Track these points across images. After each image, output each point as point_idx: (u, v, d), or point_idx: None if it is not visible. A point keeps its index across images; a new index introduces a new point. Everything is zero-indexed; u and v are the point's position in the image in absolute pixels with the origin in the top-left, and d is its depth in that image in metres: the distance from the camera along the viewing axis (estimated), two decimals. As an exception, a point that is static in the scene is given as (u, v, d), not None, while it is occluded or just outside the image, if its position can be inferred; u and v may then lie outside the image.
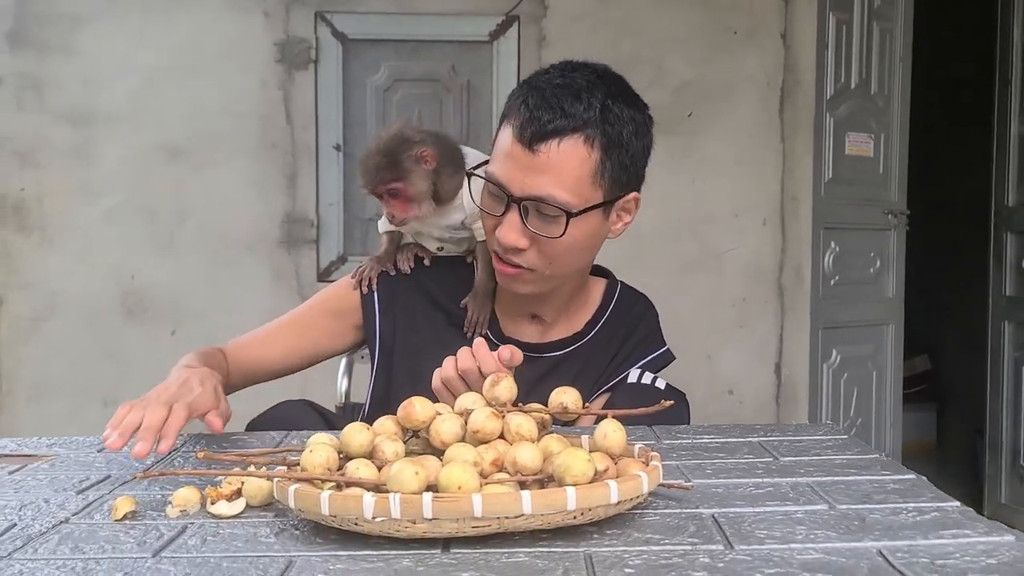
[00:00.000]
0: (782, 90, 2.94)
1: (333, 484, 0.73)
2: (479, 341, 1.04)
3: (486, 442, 0.79)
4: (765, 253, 2.97)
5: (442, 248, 1.33)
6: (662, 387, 1.23)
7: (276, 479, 0.75)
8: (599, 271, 1.35)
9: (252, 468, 0.80)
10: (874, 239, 3.15)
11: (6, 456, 0.98)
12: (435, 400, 0.85)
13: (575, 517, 0.70)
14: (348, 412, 1.42)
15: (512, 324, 1.27)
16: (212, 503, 0.78)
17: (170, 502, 0.79)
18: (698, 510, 0.77)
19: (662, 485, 0.79)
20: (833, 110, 2.99)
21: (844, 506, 0.78)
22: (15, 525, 0.75)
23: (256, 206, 2.89)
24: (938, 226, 3.84)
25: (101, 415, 2.94)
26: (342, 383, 1.55)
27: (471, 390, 0.95)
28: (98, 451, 1.02)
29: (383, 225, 1.33)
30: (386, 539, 0.69)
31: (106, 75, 2.84)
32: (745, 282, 2.97)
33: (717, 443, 1.02)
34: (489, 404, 0.84)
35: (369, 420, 0.85)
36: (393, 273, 1.31)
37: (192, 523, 0.75)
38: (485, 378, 0.95)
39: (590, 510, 0.70)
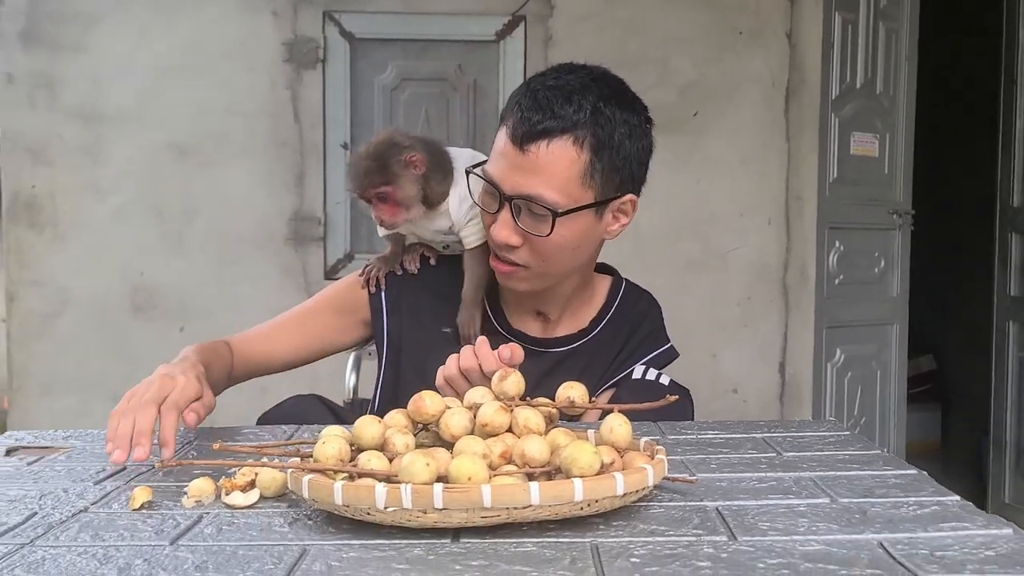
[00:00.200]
0: (787, 90, 2.95)
1: (346, 475, 0.75)
2: (481, 339, 1.06)
3: (495, 435, 0.81)
4: (770, 252, 2.98)
5: (447, 247, 1.34)
6: (666, 383, 1.25)
7: (290, 470, 0.76)
8: (605, 269, 1.36)
9: (265, 460, 0.82)
10: (879, 239, 3.16)
11: (24, 448, 1.00)
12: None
13: (582, 508, 0.71)
14: (356, 407, 1.44)
15: (518, 318, 1.29)
16: (227, 494, 0.80)
17: (185, 492, 0.81)
18: (702, 503, 0.79)
19: (667, 478, 0.80)
20: (838, 110, 3.00)
21: (846, 500, 0.79)
22: (36, 513, 0.77)
23: (264, 204, 2.91)
24: (943, 226, 3.85)
25: (110, 410, 2.97)
26: (350, 379, 1.57)
27: (473, 387, 0.97)
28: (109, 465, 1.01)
29: (382, 230, 1.33)
30: (397, 529, 0.70)
31: (116, 74, 2.87)
32: (749, 281, 2.98)
33: (721, 439, 1.03)
34: (497, 398, 0.85)
35: (378, 415, 0.86)
36: (400, 273, 1.32)
37: (207, 513, 0.77)
38: (487, 376, 0.98)
39: (596, 501, 0.72)
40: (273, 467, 0.79)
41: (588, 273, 1.30)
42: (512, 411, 0.83)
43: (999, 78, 3.17)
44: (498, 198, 1.14)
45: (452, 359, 1.07)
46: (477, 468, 0.71)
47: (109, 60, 2.86)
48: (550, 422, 0.86)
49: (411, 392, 0.86)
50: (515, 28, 2.90)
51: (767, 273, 2.98)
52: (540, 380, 1.10)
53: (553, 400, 0.88)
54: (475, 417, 0.82)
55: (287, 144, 2.90)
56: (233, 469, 0.84)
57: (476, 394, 0.86)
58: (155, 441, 0.93)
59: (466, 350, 1.06)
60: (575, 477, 0.72)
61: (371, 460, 0.76)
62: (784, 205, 2.97)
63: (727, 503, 0.78)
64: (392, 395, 1.28)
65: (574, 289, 1.28)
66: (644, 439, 0.86)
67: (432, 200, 1.24)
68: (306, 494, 0.73)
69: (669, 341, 1.33)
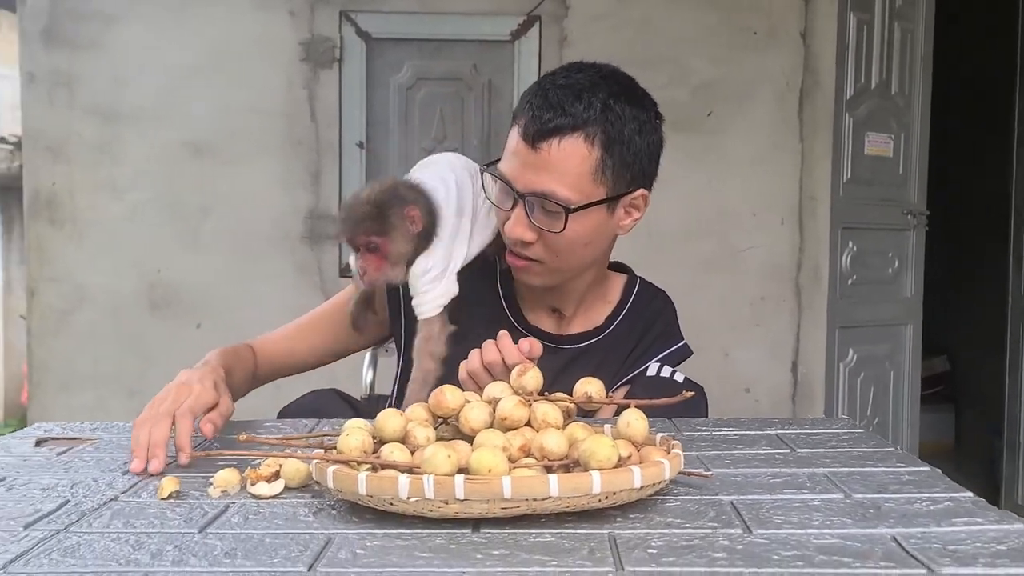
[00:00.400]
0: (801, 90, 2.95)
1: (369, 466, 0.77)
2: (503, 334, 1.08)
3: (514, 429, 0.82)
4: (783, 252, 2.98)
5: None
6: (681, 381, 1.26)
7: (315, 461, 0.78)
8: (619, 267, 1.38)
9: (289, 451, 0.84)
10: (893, 239, 3.16)
11: (53, 439, 1.03)
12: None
13: (600, 501, 0.73)
14: (373, 404, 1.46)
15: (533, 314, 1.31)
16: (252, 484, 0.82)
17: (211, 483, 0.83)
18: (717, 497, 0.80)
19: (682, 473, 0.82)
20: (853, 110, 3.00)
21: (860, 495, 0.80)
22: (68, 501, 0.79)
23: (280, 202, 2.93)
24: (958, 227, 3.84)
25: (126, 406, 3.01)
26: (367, 375, 1.60)
27: (496, 381, 0.99)
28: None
29: (357, 280, 1.22)
30: (419, 519, 0.72)
31: (134, 72, 2.90)
32: (762, 281, 2.99)
33: (735, 435, 1.05)
34: (516, 393, 0.87)
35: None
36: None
37: (234, 502, 0.79)
38: (509, 369, 0.99)
39: (614, 494, 0.73)
40: (298, 458, 0.81)
41: (602, 270, 1.31)
42: (531, 405, 0.84)
43: (1014, 78, 3.16)
44: (511, 196, 1.16)
45: (475, 354, 1.09)
46: (497, 460, 0.73)
47: (127, 59, 2.90)
48: (567, 417, 0.88)
49: None
50: (530, 28, 2.91)
51: (780, 273, 2.99)
52: (555, 376, 1.12)
53: (570, 395, 0.89)
54: (494, 411, 0.84)
55: (303, 143, 2.93)
56: (258, 460, 0.86)
57: (495, 389, 0.88)
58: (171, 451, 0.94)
59: (488, 344, 1.08)
60: (593, 470, 0.73)
61: (394, 452, 0.77)
62: (797, 205, 2.97)
63: (742, 497, 0.80)
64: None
65: (588, 286, 1.29)
66: (660, 435, 0.87)
67: (415, 260, 1.17)
68: (331, 484, 0.75)
69: (683, 339, 1.34)
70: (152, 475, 0.88)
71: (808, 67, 2.94)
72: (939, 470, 0.89)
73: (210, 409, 1.00)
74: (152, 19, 2.90)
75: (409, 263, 1.16)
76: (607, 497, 0.73)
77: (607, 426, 0.89)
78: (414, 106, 2.93)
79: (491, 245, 1.35)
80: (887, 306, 3.17)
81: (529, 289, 1.28)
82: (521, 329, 1.28)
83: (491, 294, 1.31)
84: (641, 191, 1.20)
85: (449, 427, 0.87)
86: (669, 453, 0.81)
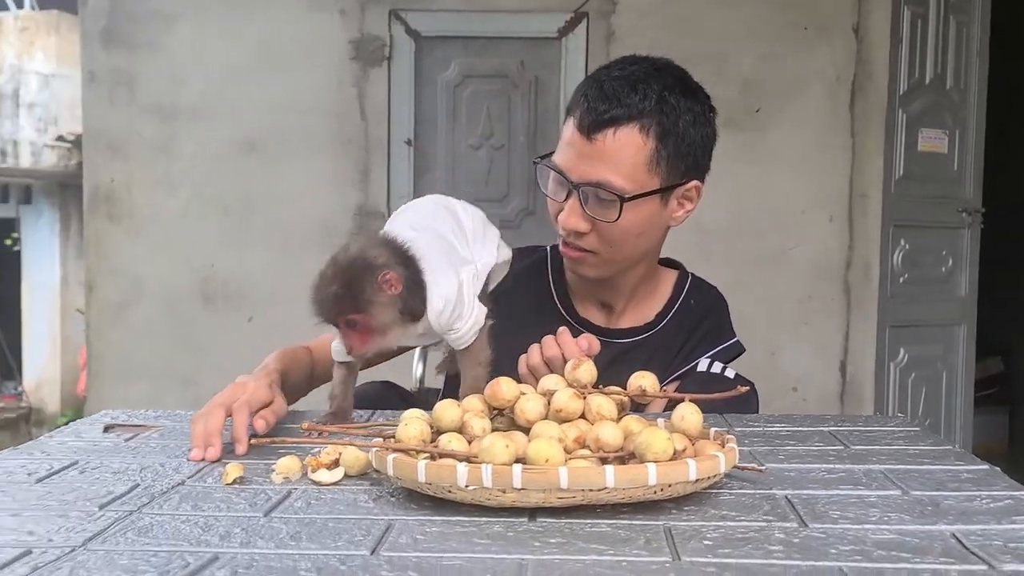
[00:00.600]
0: (853, 85, 2.91)
1: (427, 455, 0.78)
2: (562, 329, 1.09)
3: (568, 421, 0.83)
4: (831, 250, 2.94)
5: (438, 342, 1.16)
6: (732, 377, 1.26)
7: (374, 449, 0.80)
8: (671, 264, 1.38)
9: (349, 440, 0.86)
10: (946, 237, 3.10)
11: (119, 426, 1.07)
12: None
13: (655, 492, 0.74)
14: (424, 396, 1.48)
15: (583, 308, 1.32)
16: (313, 471, 0.84)
17: (274, 469, 0.85)
18: (771, 491, 0.80)
19: (736, 467, 0.82)
20: (906, 106, 2.94)
21: (917, 492, 0.80)
22: (138, 485, 0.82)
23: (330, 199, 2.98)
24: (1014, 224, 3.74)
25: (180, 397, 3.07)
26: (417, 368, 1.62)
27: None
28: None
29: (338, 353, 1.09)
30: (476, 507, 0.74)
31: (190, 71, 2.98)
32: (811, 279, 2.95)
33: (788, 431, 1.04)
34: (571, 385, 0.88)
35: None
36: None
37: (296, 488, 0.82)
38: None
39: (670, 486, 0.74)
40: (358, 446, 0.83)
41: (653, 264, 1.32)
42: (585, 398, 0.85)
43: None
44: (566, 187, 1.18)
45: (534, 349, 1.10)
46: (554, 451, 0.74)
47: (182, 58, 2.97)
48: (622, 410, 0.89)
49: None
50: (577, 25, 2.92)
51: (829, 271, 2.95)
52: (603, 370, 1.12)
53: (624, 389, 0.90)
54: (549, 403, 0.85)
55: (352, 141, 2.97)
56: (318, 448, 0.88)
57: (549, 381, 0.89)
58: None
59: (548, 339, 1.09)
60: (649, 462, 0.74)
61: (451, 441, 0.79)
62: (847, 202, 2.93)
63: (796, 492, 0.80)
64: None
65: (639, 280, 1.30)
66: (714, 429, 0.87)
67: (416, 315, 1.03)
68: (390, 472, 0.76)
69: (735, 336, 1.34)
70: (211, 462, 0.91)
71: (860, 62, 2.90)
72: (998, 468, 0.88)
73: (264, 407, 1.03)
74: (207, 19, 2.97)
75: (410, 319, 1.03)
76: (662, 489, 0.74)
77: (661, 420, 0.90)
78: (461, 103, 2.96)
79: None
80: (940, 305, 3.11)
81: (581, 282, 1.29)
82: (571, 322, 1.29)
83: (542, 286, 1.32)
84: (694, 183, 1.21)
85: (504, 418, 0.89)
86: (724, 447, 0.81)
